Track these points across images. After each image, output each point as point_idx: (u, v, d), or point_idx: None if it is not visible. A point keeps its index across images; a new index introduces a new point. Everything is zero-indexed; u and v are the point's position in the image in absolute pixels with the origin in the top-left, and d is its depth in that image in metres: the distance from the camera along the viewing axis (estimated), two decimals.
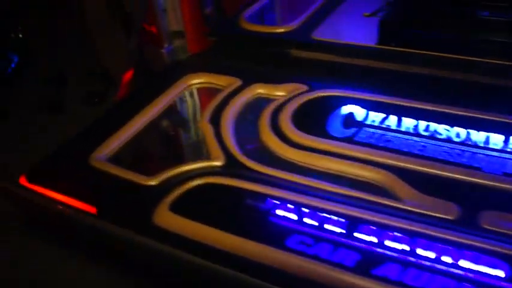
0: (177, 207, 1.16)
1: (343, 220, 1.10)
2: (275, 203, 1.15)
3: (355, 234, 1.06)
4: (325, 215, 1.11)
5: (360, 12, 2.08)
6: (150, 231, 1.12)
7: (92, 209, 1.20)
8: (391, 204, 1.15)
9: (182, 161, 1.41)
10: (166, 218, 1.14)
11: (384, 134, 1.40)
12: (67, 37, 4.07)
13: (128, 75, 1.65)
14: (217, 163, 1.31)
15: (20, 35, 3.67)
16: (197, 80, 1.69)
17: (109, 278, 1.35)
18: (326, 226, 1.09)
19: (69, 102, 3.36)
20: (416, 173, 1.26)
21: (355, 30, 1.93)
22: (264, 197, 1.17)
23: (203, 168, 1.30)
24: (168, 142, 1.52)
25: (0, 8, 3.61)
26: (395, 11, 1.92)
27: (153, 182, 1.26)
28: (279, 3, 2.23)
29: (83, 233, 1.26)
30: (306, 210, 1.12)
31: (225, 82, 1.67)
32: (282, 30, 1.91)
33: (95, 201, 1.23)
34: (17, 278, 1.39)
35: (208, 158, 1.34)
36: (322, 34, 1.86)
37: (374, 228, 1.08)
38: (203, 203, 1.19)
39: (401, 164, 1.28)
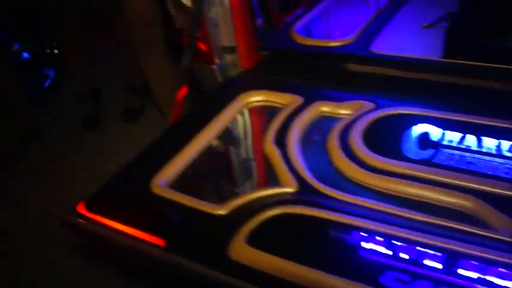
0: (254, 240, 1.08)
1: (439, 254, 1.00)
2: (362, 235, 1.06)
3: (456, 270, 0.97)
4: (419, 248, 1.02)
5: (416, 22, 1.99)
6: (227, 266, 1.03)
7: (160, 241, 1.12)
8: (487, 234, 1.06)
9: (249, 188, 1.33)
10: (243, 251, 1.06)
11: (464, 156, 1.31)
12: (104, 53, 4.06)
13: (182, 93, 1.57)
14: (290, 189, 1.22)
15: (56, 51, 3.65)
16: (255, 98, 1.61)
17: None
18: (422, 261, 1.00)
19: (105, 117, 3.33)
20: (506, 199, 1.16)
21: (415, 42, 1.84)
22: (349, 228, 1.08)
23: (274, 195, 1.21)
24: (230, 166, 1.43)
25: (36, 24, 3.60)
26: (461, 22, 1.82)
27: (222, 212, 1.17)
28: (328, 15, 2.15)
29: (149, 265, 1.18)
30: (398, 243, 1.03)
31: (284, 100, 1.59)
32: (337, 43, 1.82)
33: (162, 232, 1.15)
34: None
35: (278, 183, 1.25)
36: (380, 47, 1.77)
37: (475, 263, 0.98)
38: (282, 235, 1.10)
39: (489, 189, 1.18)
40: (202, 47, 1.76)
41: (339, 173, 1.29)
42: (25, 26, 3.60)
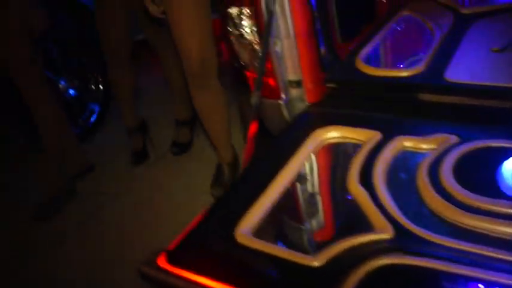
0: None
1: None
2: None
3: None
4: None
5: (485, 47, 1.90)
6: None
7: None
8: None
9: (338, 234, 1.25)
10: None
11: None
12: (151, 83, 4.06)
13: (252, 130, 1.51)
14: (386, 236, 1.13)
15: (101, 86, 3.66)
16: (330, 135, 1.54)
17: None
18: None
19: (153, 151, 3.30)
20: None
21: (489, 68, 1.75)
22: (470, 280, 0.99)
23: (370, 243, 1.13)
24: (314, 210, 1.35)
25: (80, 60, 3.62)
26: None
27: (317, 263, 1.09)
28: (391, 41, 2.08)
29: None
30: None
31: (361, 136, 1.51)
32: (408, 73, 1.75)
33: (252, 286, 1.07)
34: None
35: (371, 229, 1.17)
36: (455, 75, 1.69)
37: None
38: None
39: None
40: (268, 82, 1.70)
41: (435, 215, 1.20)
42: (70, 63, 3.62)
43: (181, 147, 3.23)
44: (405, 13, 2.30)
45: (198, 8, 2.24)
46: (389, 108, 1.63)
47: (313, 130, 1.54)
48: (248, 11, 1.61)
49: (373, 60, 1.92)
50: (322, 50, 1.81)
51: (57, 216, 2.88)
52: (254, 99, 1.55)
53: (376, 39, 2.04)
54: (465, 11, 2.21)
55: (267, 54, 1.60)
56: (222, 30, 2.44)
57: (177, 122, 3.29)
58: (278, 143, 1.57)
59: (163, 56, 3.03)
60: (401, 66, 1.86)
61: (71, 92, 3.64)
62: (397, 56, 1.97)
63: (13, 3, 2.56)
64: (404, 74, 1.73)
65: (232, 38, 1.68)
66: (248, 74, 1.73)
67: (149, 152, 3.26)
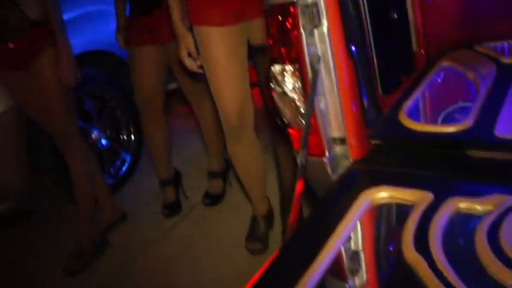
0: None
1: None
2: None
3: None
4: None
5: None
6: None
7: None
8: None
9: None
10: None
11: None
12: (184, 134, 4.07)
13: (299, 189, 1.46)
14: None
15: (132, 136, 3.67)
16: (379, 196, 1.48)
17: None
18: None
19: (185, 202, 3.27)
20: None
21: None
22: None
23: None
24: (368, 278, 1.29)
25: (113, 110, 3.64)
26: None
27: None
28: (434, 95, 2.04)
29: None
30: None
31: (412, 197, 1.45)
32: (455, 128, 1.70)
33: None
34: None
35: None
36: (506, 130, 1.63)
37: None
38: None
39: None
40: (311, 139, 1.67)
41: (496, 282, 1.13)
42: (104, 113, 3.65)
43: (213, 199, 3.20)
44: (444, 64, 2.26)
45: (235, 61, 2.24)
46: (438, 166, 1.58)
47: (361, 191, 1.49)
48: (291, 68, 1.59)
49: (417, 114, 1.87)
50: (365, 104, 1.78)
51: (89, 268, 2.85)
52: (300, 159, 1.51)
53: (418, 92, 2.00)
54: (507, 60, 2.17)
55: (312, 112, 1.56)
56: (257, 77, 2.45)
57: (209, 172, 3.27)
58: (325, 205, 1.52)
59: (198, 106, 3.04)
60: (447, 121, 1.81)
61: (103, 141, 3.65)
62: (442, 109, 1.92)
63: (46, 61, 2.60)
64: (452, 129, 1.68)
65: (274, 95, 1.66)
66: (291, 131, 1.70)
67: (181, 203, 3.23)
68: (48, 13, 2.54)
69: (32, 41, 2.59)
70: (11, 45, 2.61)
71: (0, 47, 2.64)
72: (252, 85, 2.40)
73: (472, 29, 2.36)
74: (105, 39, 3.50)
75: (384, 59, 1.92)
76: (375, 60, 1.86)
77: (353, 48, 1.65)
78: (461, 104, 1.93)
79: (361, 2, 1.73)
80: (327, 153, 1.69)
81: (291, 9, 1.50)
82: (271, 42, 1.56)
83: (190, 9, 2.19)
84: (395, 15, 2.04)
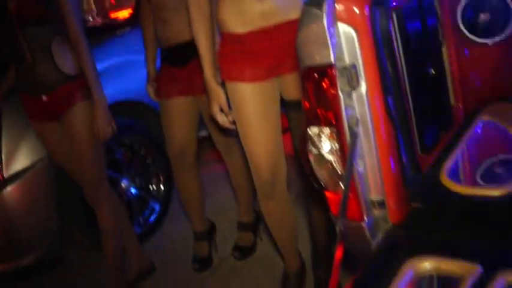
0: None
1: None
2: None
3: None
4: None
5: None
6: None
7: None
8: None
9: None
10: None
11: None
12: (213, 182, 4.03)
13: (338, 256, 1.40)
14: None
15: (162, 185, 3.65)
16: (423, 267, 1.41)
17: None
18: None
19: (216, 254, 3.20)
20: None
21: None
22: None
23: None
24: None
25: (143, 159, 3.64)
26: None
27: None
28: (475, 153, 1.96)
29: None
30: None
31: (459, 269, 1.37)
32: (503, 191, 1.61)
33: None
34: None
35: None
36: None
37: None
38: None
39: None
40: (349, 202, 1.60)
41: None
42: (134, 162, 3.64)
43: (243, 252, 3.12)
44: (484, 118, 2.19)
45: (268, 117, 2.20)
46: (485, 233, 1.50)
47: (404, 261, 1.42)
48: (328, 130, 1.54)
49: (457, 173, 1.80)
50: (404, 164, 1.71)
51: None
52: (339, 226, 1.45)
53: (459, 150, 1.93)
54: None
55: (351, 177, 1.51)
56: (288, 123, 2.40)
57: (239, 223, 3.21)
58: (367, 276, 1.45)
59: (228, 157, 3.01)
60: (487, 175, 1.73)
61: (133, 190, 3.64)
62: (485, 169, 1.84)
63: (79, 114, 2.61)
64: (498, 192, 1.60)
65: (311, 157, 1.60)
66: (328, 194, 1.64)
67: (212, 257, 3.17)
68: (83, 67, 2.55)
69: (66, 94, 2.62)
70: (44, 98, 2.64)
71: (34, 99, 2.67)
72: (284, 130, 2.35)
73: (510, 81, 2.29)
74: (135, 88, 3.52)
75: (422, 116, 1.86)
76: (413, 118, 1.80)
77: (392, 108, 1.60)
78: (501, 156, 1.85)
79: (398, 60, 1.68)
80: (365, 218, 1.63)
81: (329, 71, 1.46)
82: (307, 105, 1.52)
83: (221, 65, 2.17)
84: (433, 71, 1.99)
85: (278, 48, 2.12)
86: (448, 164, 1.84)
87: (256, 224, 3.20)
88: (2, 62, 2.87)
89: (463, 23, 2.12)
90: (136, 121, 3.67)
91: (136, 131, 3.60)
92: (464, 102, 2.28)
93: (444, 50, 2.13)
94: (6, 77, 2.85)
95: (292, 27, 2.06)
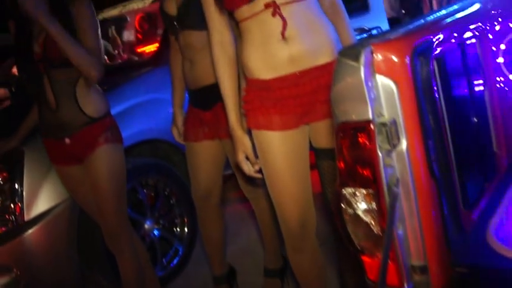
0: None
1: None
2: None
3: None
4: None
5: None
6: None
7: None
8: None
9: None
10: None
11: None
12: (239, 226, 3.92)
13: None
14: None
15: (186, 226, 3.56)
16: None
17: None
18: None
19: None
20: None
21: None
22: None
23: None
24: None
25: (167, 201, 3.55)
26: None
27: None
28: None
29: None
30: None
31: None
32: None
33: None
34: None
35: None
36: None
37: None
38: None
39: None
40: (388, 268, 1.47)
41: None
42: (157, 203, 3.55)
43: None
44: None
45: (296, 165, 2.09)
46: None
47: None
48: (364, 191, 1.41)
49: (506, 234, 1.65)
50: (447, 224, 1.57)
51: None
52: None
53: (505, 204, 1.78)
54: None
55: (391, 241, 1.37)
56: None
57: (266, 269, 3.08)
58: None
59: (256, 203, 2.90)
60: None
61: (156, 231, 3.54)
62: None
63: (100, 158, 2.55)
64: None
65: (346, 217, 1.48)
66: (364, 258, 1.51)
67: None
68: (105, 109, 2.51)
69: (89, 137, 2.57)
70: (67, 140, 2.59)
71: (57, 142, 2.63)
72: (310, 167, 2.22)
73: None
74: (160, 128, 3.46)
75: (465, 168, 1.73)
76: (455, 173, 1.66)
77: (434, 165, 1.47)
78: None
79: (440, 111, 1.56)
80: (405, 284, 1.49)
81: (366, 128, 1.33)
82: (342, 164, 1.40)
83: (247, 112, 2.07)
84: (475, 119, 1.86)
85: (306, 95, 2.00)
86: (495, 221, 1.70)
87: (283, 269, 3.06)
88: (28, 102, 2.82)
89: (506, 67, 1.99)
90: (161, 161, 3.59)
91: (161, 171, 3.51)
92: (508, 148, 2.14)
93: (486, 95, 2.00)
94: (29, 118, 2.81)
95: (321, 73, 1.97)
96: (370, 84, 1.32)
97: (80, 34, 2.48)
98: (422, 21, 1.72)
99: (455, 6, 1.98)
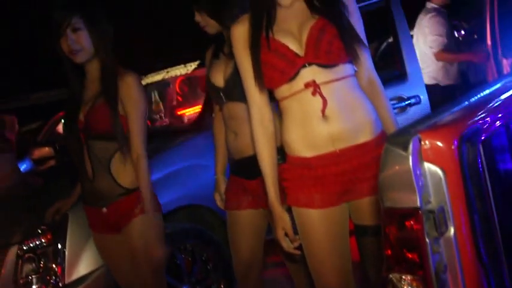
0: None
1: None
2: None
3: None
4: None
5: None
6: None
7: None
8: None
9: None
10: None
11: None
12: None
13: None
14: None
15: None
16: None
17: None
18: None
19: None
20: None
21: None
22: None
23: None
24: None
25: (204, 266, 3.54)
26: None
27: None
28: None
29: None
30: None
31: None
32: None
33: None
34: None
35: None
36: None
37: None
38: None
39: None
40: None
41: None
42: (195, 269, 3.55)
43: None
44: None
45: (336, 242, 2.09)
46: None
47: None
48: (411, 277, 1.40)
49: None
50: None
51: None
52: None
53: None
54: None
55: None
56: None
57: None
58: None
59: (296, 275, 2.89)
60: None
61: None
62: None
63: (136, 229, 2.58)
64: None
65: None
66: None
67: None
68: (140, 183, 2.57)
69: (125, 208, 2.60)
70: (104, 210, 2.63)
71: (95, 210, 2.69)
72: (350, 233, 2.20)
73: None
74: (200, 193, 3.49)
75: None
76: (504, 257, 1.63)
77: (483, 252, 1.45)
78: None
79: (487, 198, 1.55)
80: None
81: (414, 214, 1.34)
82: (389, 249, 1.40)
83: (287, 190, 2.08)
84: None
85: (347, 173, 2.01)
86: None
87: None
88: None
89: None
90: (199, 226, 3.60)
91: (199, 236, 3.53)
92: None
93: None
94: (77, 187, 2.87)
95: (362, 152, 1.99)
96: (418, 172, 1.33)
97: (126, 112, 2.56)
98: (467, 103, 1.74)
99: (499, 85, 2.00)
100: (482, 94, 1.89)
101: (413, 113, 3.97)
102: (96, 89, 2.60)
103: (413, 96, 4.04)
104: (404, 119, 3.82)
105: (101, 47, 2.56)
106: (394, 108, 3.83)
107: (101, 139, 2.56)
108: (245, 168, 2.75)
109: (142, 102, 2.60)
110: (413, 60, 4.16)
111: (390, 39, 6.03)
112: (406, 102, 4.01)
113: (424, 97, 4.08)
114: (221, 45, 2.81)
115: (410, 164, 1.32)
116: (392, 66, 4.63)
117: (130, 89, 2.55)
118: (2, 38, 13.28)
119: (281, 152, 2.16)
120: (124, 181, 2.59)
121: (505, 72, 4.63)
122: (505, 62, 4.66)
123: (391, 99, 3.73)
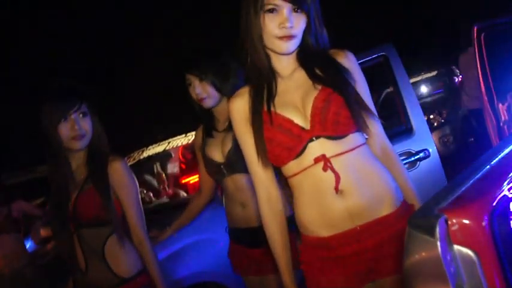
0: None
1: None
2: None
3: None
4: None
5: None
6: None
7: None
8: None
9: None
10: None
11: None
12: None
13: None
14: None
15: None
16: None
17: None
18: None
19: None
20: None
21: None
22: None
23: None
24: None
25: None
26: None
27: None
28: None
29: None
30: None
31: None
32: None
33: None
34: None
35: None
36: None
37: None
38: None
39: None
40: None
41: None
42: None
43: None
44: None
45: None
46: None
47: None
48: None
49: None
50: None
51: None
52: None
53: None
54: None
55: None
56: None
57: None
58: None
59: None
60: None
61: None
62: None
63: None
64: None
65: None
66: None
67: None
68: (149, 268, 2.45)
69: None
70: None
71: None
72: None
73: None
74: (216, 270, 3.34)
75: None
76: None
77: None
78: None
79: None
80: None
81: None
82: None
83: (307, 274, 1.92)
84: None
85: (369, 251, 1.83)
86: None
87: None
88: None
89: None
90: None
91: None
92: None
93: None
94: (68, 284, 2.69)
95: (383, 227, 1.82)
96: (448, 258, 1.18)
97: (120, 199, 2.49)
98: (488, 167, 1.60)
99: None
100: (502, 154, 1.76)
101: (424, 167, 3.84)
102: (82, 174, 2.50)
103: (422, 150, 3.91)
104: (415, 174, 3.70)
105: (98, 133, 2.53)
106: (404, 164, 3.69)
107: (91, 226, 2.43)
108: (247, 237, 2.69)
109: (134, 185, 2.53)
110: (418, 114, 4.05)
111: (389, 89, 5.97)
112: (416, 157, 3.88)
113: (432, 150, 3.95)
114: (211, 124, 2.77)
115: (439, 250, 1.17)
116: (395, 120, 4.53)
117: (120, 175, 2.47)
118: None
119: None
120: (119, 269, 2.44)
121: (502, 118, 4.56)
122: (501, 106, 4.60)
123: (400, 155, 3.61)
